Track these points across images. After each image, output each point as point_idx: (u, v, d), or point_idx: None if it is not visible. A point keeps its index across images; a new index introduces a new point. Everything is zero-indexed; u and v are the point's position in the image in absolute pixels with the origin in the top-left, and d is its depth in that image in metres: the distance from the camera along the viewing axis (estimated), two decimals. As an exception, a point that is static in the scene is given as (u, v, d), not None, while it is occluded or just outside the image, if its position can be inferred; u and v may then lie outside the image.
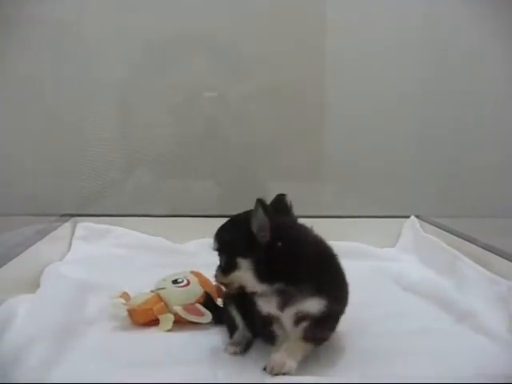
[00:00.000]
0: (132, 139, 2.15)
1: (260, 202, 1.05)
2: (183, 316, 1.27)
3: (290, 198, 1.18)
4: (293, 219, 1.17)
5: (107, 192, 2.11)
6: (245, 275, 1.08)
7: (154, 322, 1.29)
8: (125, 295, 1.34)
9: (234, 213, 1.99)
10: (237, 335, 1.20)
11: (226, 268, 1.11)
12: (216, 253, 1.14)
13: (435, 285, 1.57)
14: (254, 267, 1.07)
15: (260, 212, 1.05)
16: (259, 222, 1.06)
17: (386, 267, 1.80)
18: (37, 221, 1.82)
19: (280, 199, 1.18)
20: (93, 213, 2.02)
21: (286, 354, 1.06)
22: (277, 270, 1.05)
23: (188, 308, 1.29)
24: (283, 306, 1.08)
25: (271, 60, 2.12)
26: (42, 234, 1.70)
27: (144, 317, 1.29)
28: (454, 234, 1.77)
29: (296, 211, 1.97)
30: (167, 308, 1.30)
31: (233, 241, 1.11)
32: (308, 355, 1.08)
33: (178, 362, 1.11)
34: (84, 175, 2.10)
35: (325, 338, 1.13)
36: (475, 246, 1.63)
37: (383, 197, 2.12)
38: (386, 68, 2.14)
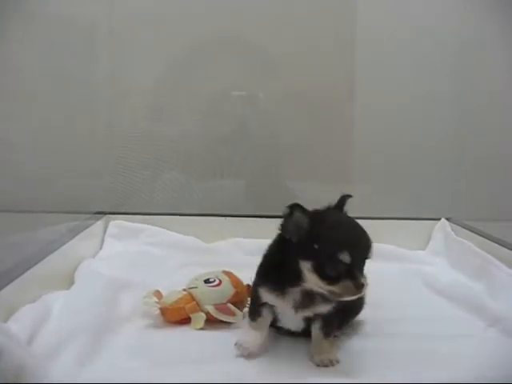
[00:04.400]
0: (163, 138, 2.16)
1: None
2: (215, 315, 1.29)
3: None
4: None
5: (140, 191, 2.14)
6: None
7: (186, 321, 1.30)
8: (157, 293, 1.35)
9: (263, 213, 2.01)
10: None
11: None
12: None
13: (466, 288, 1.56)
14: None
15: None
16: None
17: (416, 270, 1.79)
18: (71, 218, 1.84)
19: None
20: (125, 211, 2.05)
21: (325, 355, 1.12)
22: None
23: (220, 307, 1.30)
24: (299, 307, 1.13)
25: (300, 59, 2.11)
26: (75, 232, 1.72)
27: (176, 315, 1.30)
28: (486, 238, 1.75)
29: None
30: (199, 307, 1.31)
31: None
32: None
33: (209, 361, 1.12)
34: (117, 174, 2.13)
35: (336, 332, 1.20)
36: (508, 251, 1.62)
37: (413, 198, 2.11)
38: (418, 67, 2.12)
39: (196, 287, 1.35)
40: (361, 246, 1.07)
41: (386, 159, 2.14)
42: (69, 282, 1.48)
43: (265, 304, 1.17)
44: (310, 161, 2.16)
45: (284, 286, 1.11)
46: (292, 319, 1.17)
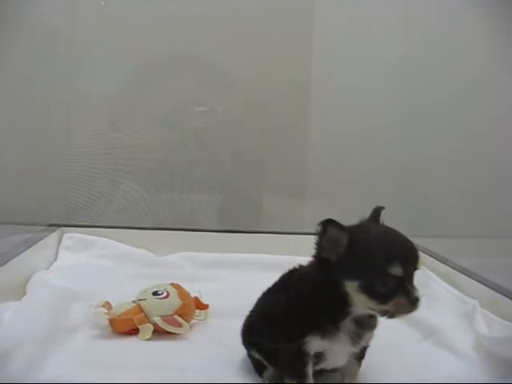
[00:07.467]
0: (121, 151, 2.18)
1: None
2: (162, 326, 1.32)
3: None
4: None
5: (95, 203, 2.15)
6: None
7: (134, 331, 1.34)
8: (107, 305, 1.38)
9: (221, 227, 2.04)
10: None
11: None
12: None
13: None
14: None
15: None
16: None
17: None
18: (25, 230, 1.85)
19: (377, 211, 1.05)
20: (80, 223, 2.06)
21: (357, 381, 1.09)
22: None
23: (167, 319, 1.33)
24: (356, 340, 0.99)
25: (257, 75, 2.16)
26: (29, 243, 1.73)
27: (124, 326, 1.34)
28: (426, 253, 1.80)
29: (281, 227, 2.01)
30: (147, 318, 1.34)
31: None
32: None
33: (154, 370, 1.16)
34: (72, 186, 2.14)
35: None
36: (446, 266, 1.69)
37: (361, 213, 2.14)
38: (372, 81, 2.15)
39: (144, 299, 1.38)
40: (411, 256, 0.93)
41: (338, 173, 2.18)
42: (21, 293, 1.49)
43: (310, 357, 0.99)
44: (269, 174, 2.21)
45: (335, 321, 0.96)
46: (343, 355, 1.03)
